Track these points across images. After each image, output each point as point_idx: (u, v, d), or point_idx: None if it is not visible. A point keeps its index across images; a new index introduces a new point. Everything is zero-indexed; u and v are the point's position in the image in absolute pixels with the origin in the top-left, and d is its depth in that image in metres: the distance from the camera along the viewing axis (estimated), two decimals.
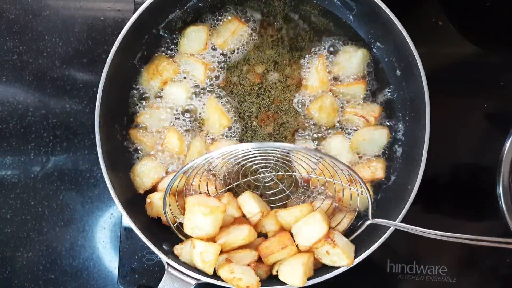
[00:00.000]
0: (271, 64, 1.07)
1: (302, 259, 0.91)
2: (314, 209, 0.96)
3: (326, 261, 0.93)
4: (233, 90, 1.06)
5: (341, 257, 0.90)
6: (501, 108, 1.13)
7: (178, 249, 0.96)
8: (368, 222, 0.94)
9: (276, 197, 1.03)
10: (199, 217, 0.89)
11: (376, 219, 0.93)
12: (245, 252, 0.94)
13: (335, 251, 0.90)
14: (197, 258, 0.90)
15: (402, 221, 0.91)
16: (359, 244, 0.94)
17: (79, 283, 1.13)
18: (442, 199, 1.11)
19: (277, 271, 0.93)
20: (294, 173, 1.02)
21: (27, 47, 1.15)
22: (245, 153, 0.93)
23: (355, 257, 0.92)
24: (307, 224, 0.92)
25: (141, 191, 1.02)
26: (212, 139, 1.04)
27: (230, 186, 1.03)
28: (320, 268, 0.95)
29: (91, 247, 1.13)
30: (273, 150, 0.94)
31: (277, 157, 0.97)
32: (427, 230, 0.85)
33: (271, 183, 1.03)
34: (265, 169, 1.02)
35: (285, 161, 1.01)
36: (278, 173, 1.02)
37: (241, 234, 0.93)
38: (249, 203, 0.96)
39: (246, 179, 1.03)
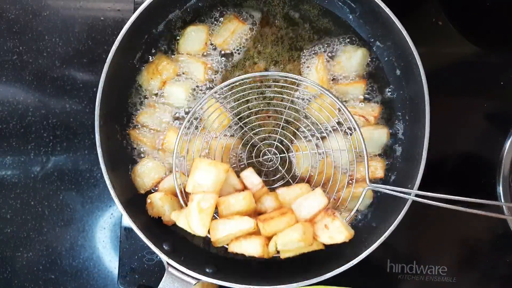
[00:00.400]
0: (271, 64, 1.07)
1: (302, 224, 0.90)
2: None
3: (324, 238, 0.91)
4: (233, 89, 1.06)
5: (340, 230, 0.89)
6: (501, 108, 1.13)
7: (175, 215, 0.95)
8: (367, 188, 0.93)
9: (278, 184, 1.04)
10: (202, 172, 0.90)
11: (374, 185, 0.93)
12: (243, 219, 0.91)
13: (334, 224, 0.89)
14: (194, 210, 0.89)
15: (402, 220, 0.91)
16: (359, 244, 0.94)
17: (79, 283, 1.13)
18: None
19: (276, 244, 0.91)
20: (299, 152, 1.03)
21: (27, 47, 1.15)
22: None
23: (355, 258, 0.92)
24: (308, 199, 0.93)
25: (142, 191, 1.02)
26: (213, 138, 1.04)
27: (234, 165, 1.03)
28: (318, 268, 0.95)
29: (91, 247, 1.13)
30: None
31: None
32: (429, 193, 0.84)
33: (274, 167, 1.04)
34: (269, 149, 1.04)
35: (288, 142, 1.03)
36: (282, 155, 1.03)
37: (241, 196, 0.93)
38: (252, 176, 0.97)
39: (250, 160, 1.04)
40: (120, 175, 1.00)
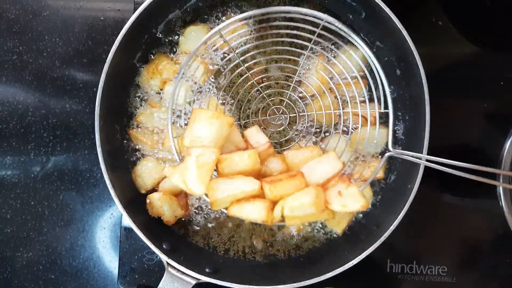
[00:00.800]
0: (270, 63, 1.07)
1: (314, 187, 0.81)
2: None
3: (337, 205, 0.84)
4: (233, 89, 1.06)
5: (355, 198, 0.82)
6: (501, 108, 1.13)
7: (169, 170, 0.85)
8: (388, 154, 0.87)
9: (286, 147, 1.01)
10: (203, 123, 0.81)
11: (398, 150, 0.87)
12: (246, 179, 0.82)
13: (349, 190, 0.82)
14: (192, 165, 0.79)
15: (400, 222, 0.91)
16: (359, 244, 0.94)
17: (79, 283, 1.13)
18: (443, 198, 1.11)
19: (283, 208, 0.82)
20: (309, 113, 1.00)
21: (27, 47, 1.15)
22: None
23: (355, 258, 0.92)
24: (320, 163, 0.86)
25: (143, 191, 1.03)
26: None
27: (239, 122, 0.99)
28: (318, 268, 0.95)
29: (91, 247, 1.13)
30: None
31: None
32: (455, 162, 0.79)
33: (281, 128, 1.02)
34: (277, 107, 1.01)
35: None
36: (291, 115, 1.00)
37: (246, 154, 0.83)
38: (258, 135, 0.90)
39: (256, 118, 1.01)
40: (120, 175, 1.00)
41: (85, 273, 1.13)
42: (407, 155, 0.85)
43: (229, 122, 0.83)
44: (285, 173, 0.86)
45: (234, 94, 1.06)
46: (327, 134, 1.04)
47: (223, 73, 1.06)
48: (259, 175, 0.87)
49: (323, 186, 0.85)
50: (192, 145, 0.83)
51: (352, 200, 0.82)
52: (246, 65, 1.01)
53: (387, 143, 0.90)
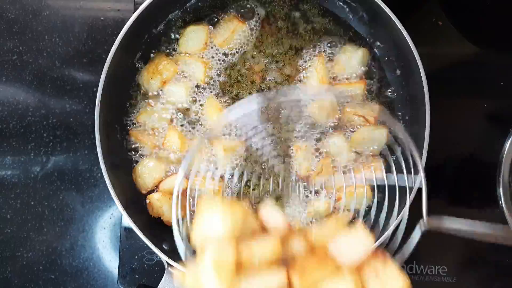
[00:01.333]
0: (271, 63, 1.07)
1: (351, 274, 0.71)
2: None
3: (376, 287, 0.73)
4: (233, 89, 1.06)
5: (395, 277, 0.71)
6: (501, 108, 1.13)
7: (178, 275, 0.74)
8: (424, 229, 0.78)
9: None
10: (213, 216, 0.71)
11: (435, 221, 0.77)
12: (272, 272, 0.70)
13: (388, 270, 0.72)
14: (208, 265, 0.68)
15: (400, 222, 0.91)
16: None
17: (79, 283, 1.13)
18: (442, 199, 1.11)
19: None
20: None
21: (27, 47, 1.15)
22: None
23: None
24: (348, 239, 0.74)
25: (144, 192, 1.02)
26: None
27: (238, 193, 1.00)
28: None
29: (91, 247, 1.13)
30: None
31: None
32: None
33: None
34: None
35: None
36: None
37: (268, 244, 0.71)
38: (274, 214, 0.77)
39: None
40: (120, 175, 1.00)
41: (85, 273, 1.13)
42: (448, 228, 0.76)
43: (244, 210, 0.72)
44: (312, 254, 0.75)
45: (234, 95, 1.06)
46: (326, 135, 1.04)
47: (222, 74, 1.06)
48: (280, 259, 0.75)
49: (356, 268, 0.74)
50: (203, 243, 0.72)
51: (392, 280, 0.71)
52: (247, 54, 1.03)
53: (423, 209, 0.80)
